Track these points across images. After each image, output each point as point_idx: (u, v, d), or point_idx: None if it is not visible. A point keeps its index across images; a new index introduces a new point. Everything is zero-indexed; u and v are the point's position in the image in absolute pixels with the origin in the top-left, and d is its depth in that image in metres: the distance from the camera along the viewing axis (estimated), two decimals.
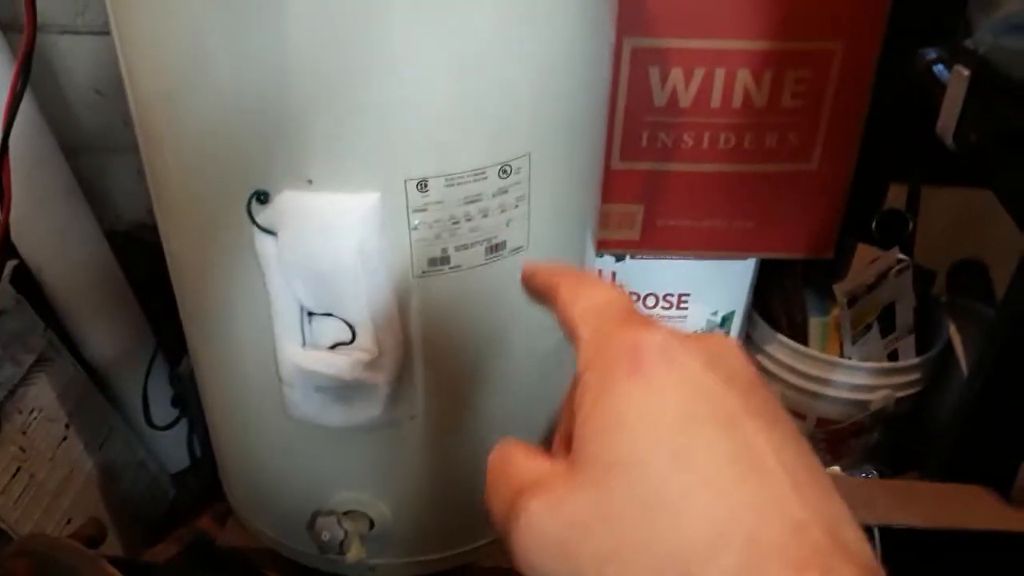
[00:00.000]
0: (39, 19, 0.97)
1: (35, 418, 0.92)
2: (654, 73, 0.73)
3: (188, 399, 1.00)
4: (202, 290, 0.65)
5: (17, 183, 0.92)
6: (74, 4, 0.98)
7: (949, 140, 0.65)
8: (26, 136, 0.91)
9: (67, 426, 0.97)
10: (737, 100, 0.75)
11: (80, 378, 1.00)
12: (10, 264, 0.92)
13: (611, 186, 0.81)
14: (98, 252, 1.02)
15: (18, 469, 0.88)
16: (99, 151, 1.08)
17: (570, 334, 0.28)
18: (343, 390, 0.60)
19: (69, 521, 0.94)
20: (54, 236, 0.97)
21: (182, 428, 1.11)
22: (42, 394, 0.93)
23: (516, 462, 0.27)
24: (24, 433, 0.90)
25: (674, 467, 0.22)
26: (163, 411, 1.09)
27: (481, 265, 0.58)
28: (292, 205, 0.52)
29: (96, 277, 1.02)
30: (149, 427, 1.08)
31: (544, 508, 0.24)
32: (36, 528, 0.89)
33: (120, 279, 1.05)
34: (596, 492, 0.23)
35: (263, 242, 0.54)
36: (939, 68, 0.68)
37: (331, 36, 0.48)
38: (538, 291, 0.32)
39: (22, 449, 0.90)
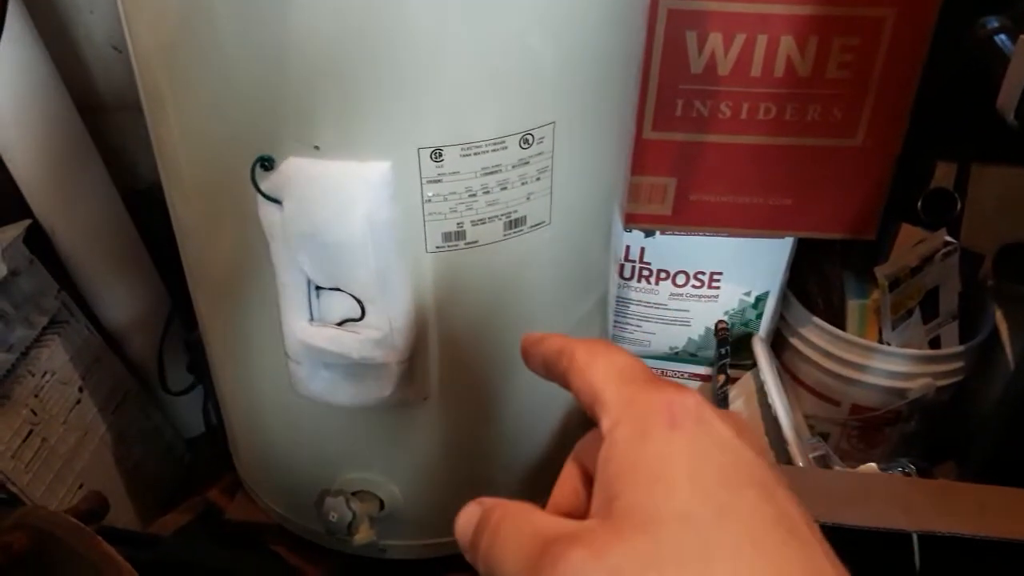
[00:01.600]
0: None
1: (48, 381, 0.91)
2: (691, 38, 0.68)
3: (203, 365, 0.98)
4: (207, 258, 0.63)
5: (30, 142, 0.90)
6: None
7: (1011, 116, 0.60)
8: (40, 94, 0.89)
9: (81, 389, 0.96)
10: (779, 69, 0.70)
11: (94, 341, 0.98)
12: (23, 224, 0.90)
13: (642, 157, 0.77)
14: (113, 213, 1.00)
15: (30, 432, 0.87)
16: (117, 109, 1.05)
17: (590, 395, 0.28)
18: (352, 368, 0.57)
19: (81, 486, 0.93)
20: (68, 196, 0.95)
21: (198, 394, 1.09)
22: (55, 357, 0.92)
23: (534, 517, 0.27)
24: (37, 396, 0.89)
25: (721, 522, 0.23)
26: (179, 376, 1.07)
27: (499, 241, 0.55)
28: (297, 172, 0.49)
29: (111, 238, 1.00)
30: (164, 392, 1.06)
31: (588, 557, 0.23)
32: (48, 492, 0.88)
33: (136, 240, 1.03)
34: (643, 541, 0.23)
35: (267, 211, 0.51)
36: (1002, 38, 0.63)
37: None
38: (547, 357, 0.31)
39: (34, 412, 0.88)
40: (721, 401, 0.93)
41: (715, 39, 0.68)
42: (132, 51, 0.56)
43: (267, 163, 0.50)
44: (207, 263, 0.63)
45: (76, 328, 0.96)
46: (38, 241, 0.94)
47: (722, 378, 0.95)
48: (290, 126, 0.49)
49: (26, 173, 0.91)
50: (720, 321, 0.95)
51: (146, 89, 0.57)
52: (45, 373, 0.90)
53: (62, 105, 0.92)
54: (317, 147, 0.49)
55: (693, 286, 0.91)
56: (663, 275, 0.91)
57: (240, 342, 0.65)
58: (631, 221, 0.83)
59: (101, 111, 1.04)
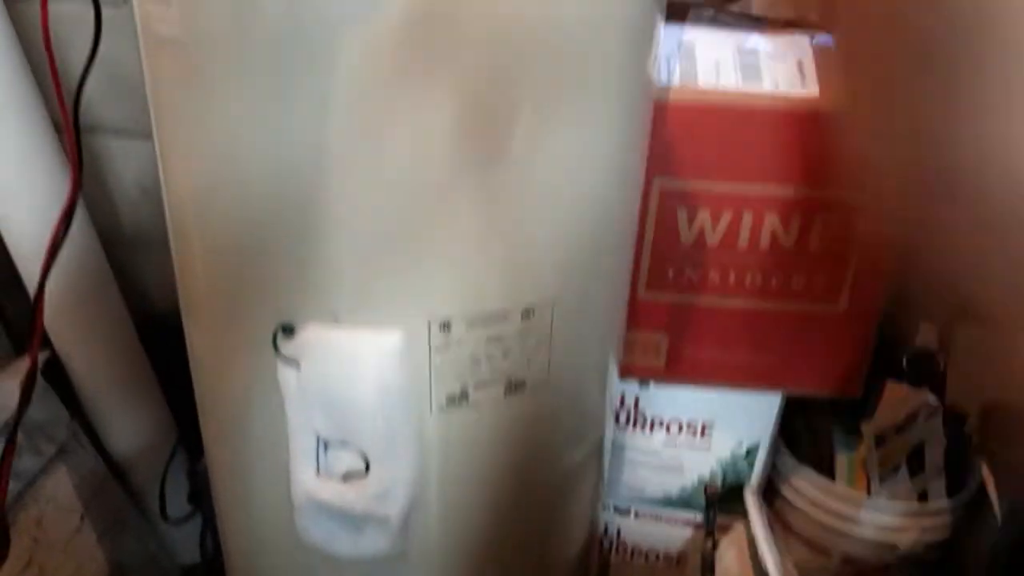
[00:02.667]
0: (95, 121, 1.01)
1: (50, 508, 0.92)
2: (682, 213, 0.74)
3: (205, 495, 1.00)
4: (220, 393, 0.65)
5: (56, 276, 0.94)
6: (129, 107, 1.02)
7: None
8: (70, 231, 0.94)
9: (82, 517, 0.97)
10: (764, 242, 0.75)
11: (99, 469, 1.00)
12: (43, 355, 0.93)
13: (636, 314, 0.81)
14: (128, 342, 1.04)
15: (30, 560, 0.88)
16: (140, 244, 1.11)
17: None
18: (355, 520, 0.59)
19: None
20: (86, 328, 0.99)
21: (196, 523, 1.10)
22: (60, 485, 0.94)
23: None
24: (39, 524, 0.90)
25: None
26: (179, 504, 1.08)
27: (500, 402, 0.58)
28: (316, 338, 0.53)
29: (124, 368, 1.03)
30: (164, 521, 1.07)
31: None
32: None
33: (147, 370, 1.06)
34: None
35: (285, 372, 0.55)
36: None
37: (367, 179, 0.49)
38: None
39: (36, 540, 0.90)
40: (709, 568, 0.94)
41: (704, 215, 0.74)
42: (166, 198, 0.60)
43: (288, 330, 0.54)
44: (219, 398, 0.66)
45: (83, 457, 0.98)
46: (53, 369, 0.97)
47: (710, 542, 0.96)
48: (312, 295, 0.53)
49: (48, 305, 0.95)
50: (708, 485, 0.97)
51: (176, 233, 0.61)
52: (49, 501, 0.92)
53: (88, 241, 0.97)
54: (336, 316, 0.53)
55: (687, 436, 0.94)
56: (657, 424, 0.94)
57: (245, 480, 0.67)
58: (626, 372, 0.87)
59: (123, 245, 1.10)
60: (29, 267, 0.92)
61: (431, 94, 0.47)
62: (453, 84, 0.47)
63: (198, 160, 0.54)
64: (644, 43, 0.56)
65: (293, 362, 0.54)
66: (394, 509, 0.58)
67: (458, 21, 0.46)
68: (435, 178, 0.50)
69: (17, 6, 0.90)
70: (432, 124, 0.48)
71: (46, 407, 0.93)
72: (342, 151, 0.48)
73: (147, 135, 1.01)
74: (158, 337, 1.06)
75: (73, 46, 0.96)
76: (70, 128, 0.62)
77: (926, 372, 0.95)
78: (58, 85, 0.69)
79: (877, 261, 0.77)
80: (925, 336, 1.00)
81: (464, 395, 0.57)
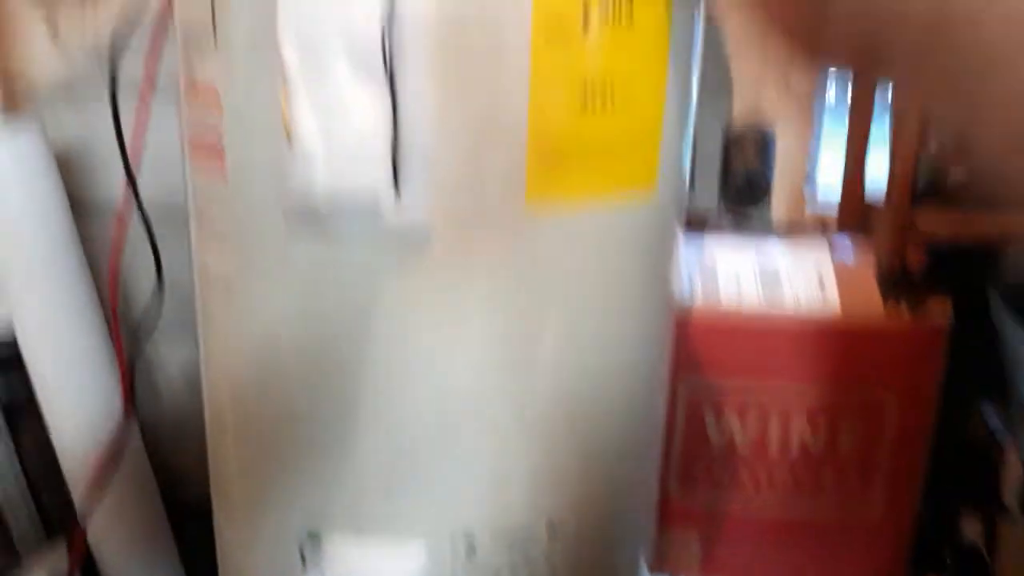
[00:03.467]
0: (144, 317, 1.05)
1: None
2: (709, 417, 0.75)
3: None
4: None
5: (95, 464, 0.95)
6: (178, 304, 1.06)
7: (1015, 508, 0.63)
8: (110, 422, 0.97)
9: None
10: (794, 447, 0.75)
11: None
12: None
13: (669, 514, 0.80)
14: (158, 532, 1.04)
15: None
16: (180, 433, 1.12)
17: None
18: None
19: None
20: (119, 515, 0.99)
21: None
22: None
23: None
24: None
25: None
26: None
27: None
28: (341, 549, 0.54)
29: (152, 557, 1.03)
30: None
31: None
32: None
33: (175, 560, 1.06)
34: None
35: None
36: (1000, 432, 0.67)
37: (397, 392, 0.51)
38: None
39: None
40: None
41: (732, 420, 0.75)
42: (205, 390, 0.62)
43: (315, 537, 0.54)
44: None
45: None
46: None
47: None
48: (339, 504, 0.54)
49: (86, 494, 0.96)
50: None
51: (212, 425, 0.63)
52: None
53: (130, 434, 0.99)
54: (361, 528, 0.53)
55: None
56: None
57: None
58: (658, 571, 0.85)
59: (163, 431, 1.12)
60: (69, 457, 0.94)
61: (465, 306, 0.50)
62: (485, 300, 0.50)
63: (236, 362, 0.57)
64: (665, 261, 0.59)
65: (318, 570, 0.54)
66: None
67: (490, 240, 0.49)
68: (464, 388, 0.52)
69: (86, 220, 0.98)
70: (463, 335, 0.50)
71: None
72: (375, 364, 0.51)
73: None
74: (188, 526, 1.06)
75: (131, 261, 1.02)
76: (124, 364, 0.65)
77: (972, 571, 0.91)
78: (116, 318, 0.73)
79: (910, 465, 0.76)
80: (969, 531, 0.96)
81: None
